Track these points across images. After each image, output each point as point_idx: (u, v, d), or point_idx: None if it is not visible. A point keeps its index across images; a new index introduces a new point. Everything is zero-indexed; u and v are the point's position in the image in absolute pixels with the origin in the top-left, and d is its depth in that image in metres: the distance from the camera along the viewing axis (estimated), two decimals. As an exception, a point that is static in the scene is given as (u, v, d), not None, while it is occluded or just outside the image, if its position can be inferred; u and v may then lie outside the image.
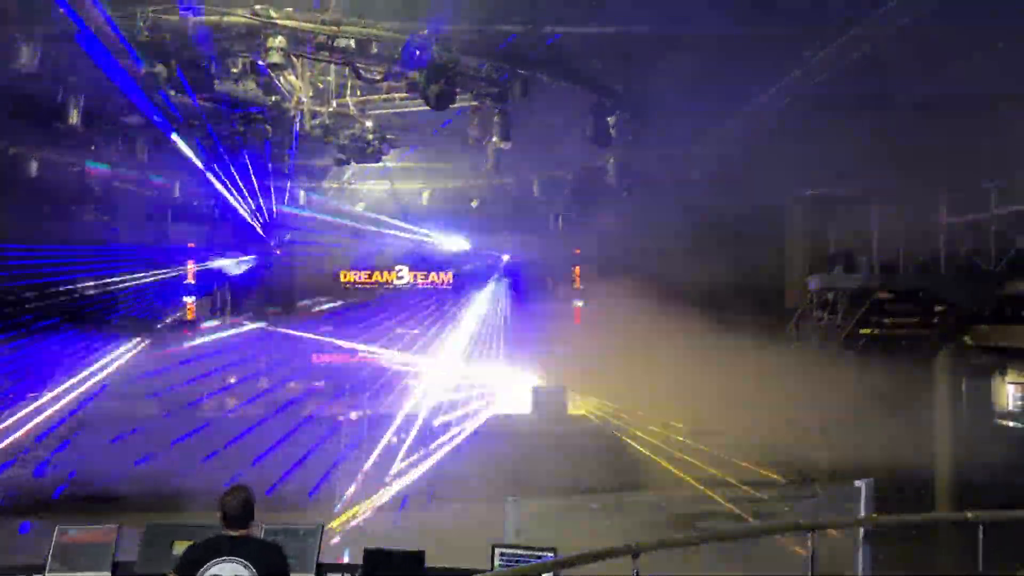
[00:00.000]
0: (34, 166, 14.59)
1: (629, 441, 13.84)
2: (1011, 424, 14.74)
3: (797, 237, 17.25)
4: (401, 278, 20.15)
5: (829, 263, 13.31)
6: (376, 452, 13.74)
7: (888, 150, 12.65)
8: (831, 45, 10.35)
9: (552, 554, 5.18)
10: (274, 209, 18.20)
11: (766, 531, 5.48)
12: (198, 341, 17.79)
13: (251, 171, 15.37)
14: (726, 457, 13.55)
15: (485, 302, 19.66)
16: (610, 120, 11.84)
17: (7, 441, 12.73)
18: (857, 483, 6.54)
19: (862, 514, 6.44)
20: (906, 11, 9.29)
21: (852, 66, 10.53)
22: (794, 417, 13.32)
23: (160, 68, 8.87)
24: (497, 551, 5.33)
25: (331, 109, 11.78)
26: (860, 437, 12.81)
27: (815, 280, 13.52)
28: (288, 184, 17.71)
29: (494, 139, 11.78)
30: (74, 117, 10.50)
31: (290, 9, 9.01)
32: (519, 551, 5.31)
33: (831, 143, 12.42)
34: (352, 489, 13.07)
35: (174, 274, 18.85)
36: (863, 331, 13.50)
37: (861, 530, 6.32)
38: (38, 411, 13.26)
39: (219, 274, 19.49)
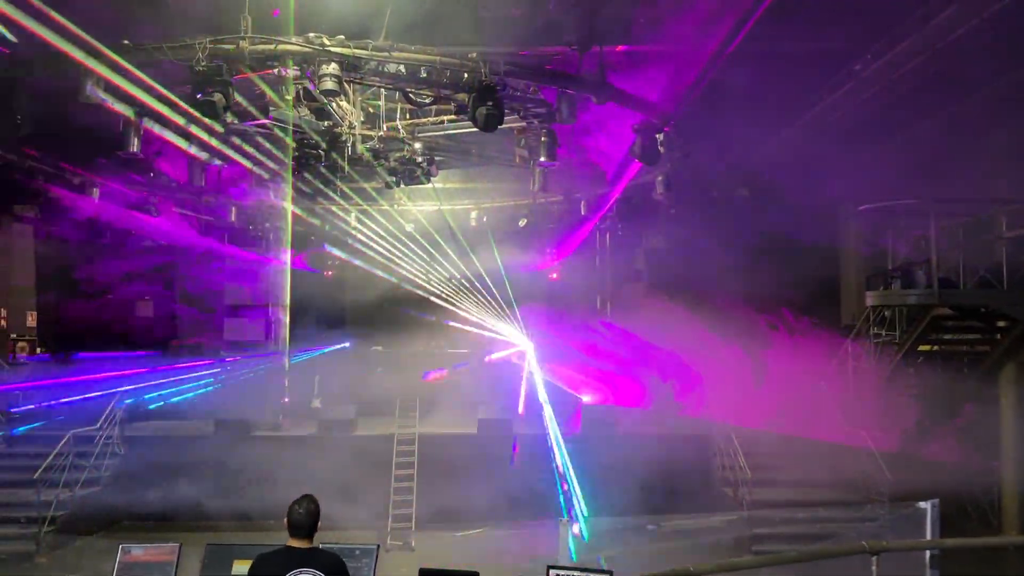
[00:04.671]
0: (96, 193, 15.08)
1: (683, 460, 13.63)
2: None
3: (853, 252, 16.95)
4: (450, 297, 20.26)
5: (886, 278, 13.00)
6: (422, 471, 13.76)
7: (946, 161, 12.40)
8: (883, 58, 10.21)
9: (609, 576, 5.13)
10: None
11: (829, 555, 5.35)
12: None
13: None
14: (784, 478, 13.28)
15: (534, 321, 19.61)
16: (658, 137, 11.81)
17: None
18: (922, 504, 6.34)
19: (928, 536, 6.25)
20: (960, 23, 9.13)
21: (906, 78, 10.36)
22: (854, 435, 13.01)
23: (218, 96, 9.10)
24: (552, 572, 5.29)
25: (381, 133, 11.96)
26: (922, 456, 12.47)
27: (872, 296, 13.23)
28: (340, 207, 18.04)
29: (541, 158, 11.83)
30: (134, 145, 10.82)
31: (342, 36, 9.20)
32: (575, 573, 5.27)
33: (887, 155, 12.22)
34: (403, 509, 13.11)
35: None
36: (923, 348, 13.14)
37: (928, 553, 6.14)
38: (96, 431, 13.57)
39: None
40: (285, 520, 4.42)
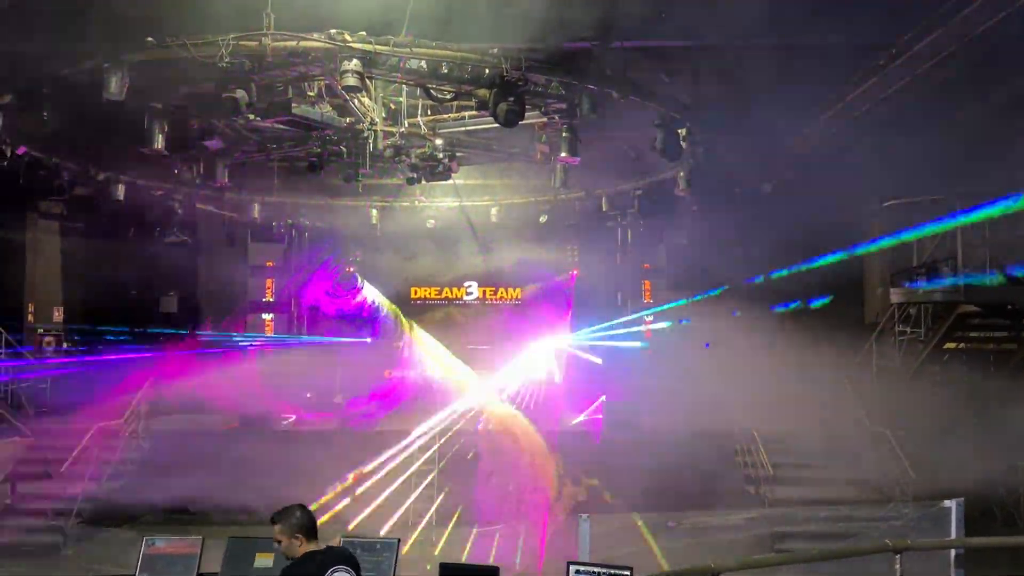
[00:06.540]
0: (121, 190, 15.23)
1: (705, 457, 13.55)
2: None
3: (877, 248, 16.72)
4: (470, 294, 20.30)
5: (911, 275, 12.84)
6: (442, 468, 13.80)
7: (974, 156, 12.20)
8: (911, 51, 10.07)
9: (629, 573, 5.12)
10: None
11: (851, 553, 5.30)
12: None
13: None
14: (807, 476, 13.17)
15: (553, 318, 19.59)
16: (680, 133, 11.74)
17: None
18: (947, 503, 6.26)
19: (953, 536, 6.17)
20: (986, 15, 8.98)
21: (935, 71, 10.22)
22: (877, 434, 12.87)
23: (240, 93, 9.15)
24: (572, 569, 5.29)
25: (403, 129, 11.98)
26: (947, 455, 12.31)
27: (896, 293, 13.08)
28: (361, 203, 18.10)
29: (562, 154, 11.80)
30: (159, 142, 10.91)
31: (364, 33, 9.21)
32: (595, 569, 5.26)
33: (913, 150, 12.04)
34: (423, 504, 13.16)
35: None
36: (948, 346, 12.98)
37: (953, 553, 6.07)
38: (121, 425, 13.73)
39: (295, 292, 19.98)
40: (298, 534, 4.33)
